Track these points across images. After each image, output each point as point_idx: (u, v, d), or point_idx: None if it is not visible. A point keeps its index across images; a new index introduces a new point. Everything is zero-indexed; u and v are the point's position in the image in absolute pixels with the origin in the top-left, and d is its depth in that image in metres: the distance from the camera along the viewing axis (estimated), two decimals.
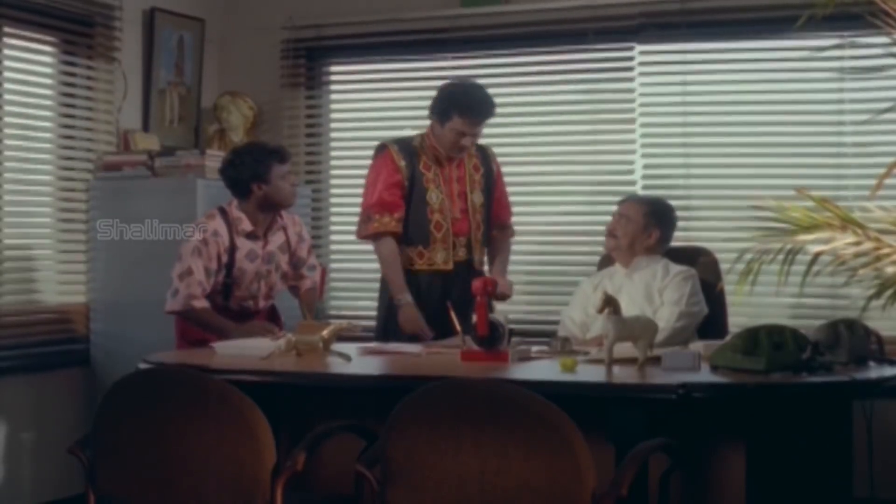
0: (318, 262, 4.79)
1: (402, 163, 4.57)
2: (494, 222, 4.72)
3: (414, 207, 4.58)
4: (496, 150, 4.86)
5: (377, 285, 5.71)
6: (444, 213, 4.56)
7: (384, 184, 4.56)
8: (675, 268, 4.32)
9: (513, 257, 4.91)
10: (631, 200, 4.51)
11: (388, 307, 4.63)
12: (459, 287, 4.36)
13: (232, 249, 4.37)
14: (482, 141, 4.76)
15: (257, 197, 4.38)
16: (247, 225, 4.40)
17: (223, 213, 4.41)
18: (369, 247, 5.79)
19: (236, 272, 4.39)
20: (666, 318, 4.15)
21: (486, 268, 4.73)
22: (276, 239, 4.50)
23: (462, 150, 4.56)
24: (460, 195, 4.61)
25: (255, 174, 4.36)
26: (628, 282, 4.34)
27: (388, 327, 4.61)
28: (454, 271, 4.55)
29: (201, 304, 4.32)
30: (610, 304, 3.48)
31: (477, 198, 4.64)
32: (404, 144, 4.63)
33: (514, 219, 4.89)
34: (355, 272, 5.87)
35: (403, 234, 4.60)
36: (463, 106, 4.48)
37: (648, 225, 4.38)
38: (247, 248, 4.41)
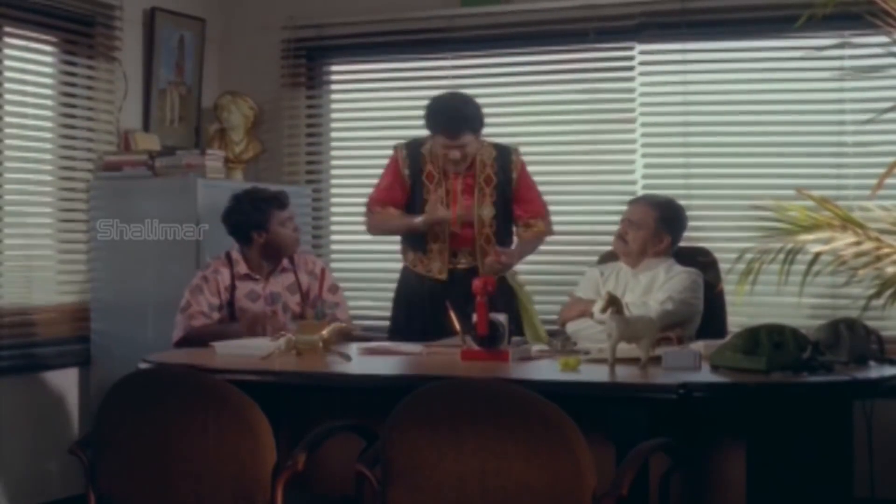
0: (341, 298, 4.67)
1: (406, 171, 4.60)
2: (517, 223, 4.67)
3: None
4: None
5: (377, 285, 5.74)
6: (441, 226, 4.54)
7: (386, 186, 4.64)
8: (680, 268, 4.30)
9: None
10: (642, 203, 4.42)
11: (402, 304, 4.68)
12: (457, 292, 4.27)
13: (232, 288, 4.40)
14: (500, 139, 4.79)
15: (259, 244, 4.42)
16: (242, 267, 4.43)
17: (228, 256, 4.46)
18: (369, 246, 5.81)
19: (238, 312, 4.40)
20: (656, 299, 4.15)
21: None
22: (282, 279, 4.49)
23: (454, 163, 4.52)
24: (465, 209, 4.56)
25: (254, 223, 4.40)
26: (633, 281, 4.32)
27: (398, 326, 4.65)
28: (449, 280, 4.52)
29: (199, 321, 4.33)
30: (613, 303, 3.48)
31: (486, 212, 4.58)
32: (413, 150, 4.63)
33: None
34: (355, 272, 5.87)
35: (404, 238, 4.66)
36: (439, 124, 4.49)
37: (659, 231, 4.32)
38: (247, 289, 4.43)
